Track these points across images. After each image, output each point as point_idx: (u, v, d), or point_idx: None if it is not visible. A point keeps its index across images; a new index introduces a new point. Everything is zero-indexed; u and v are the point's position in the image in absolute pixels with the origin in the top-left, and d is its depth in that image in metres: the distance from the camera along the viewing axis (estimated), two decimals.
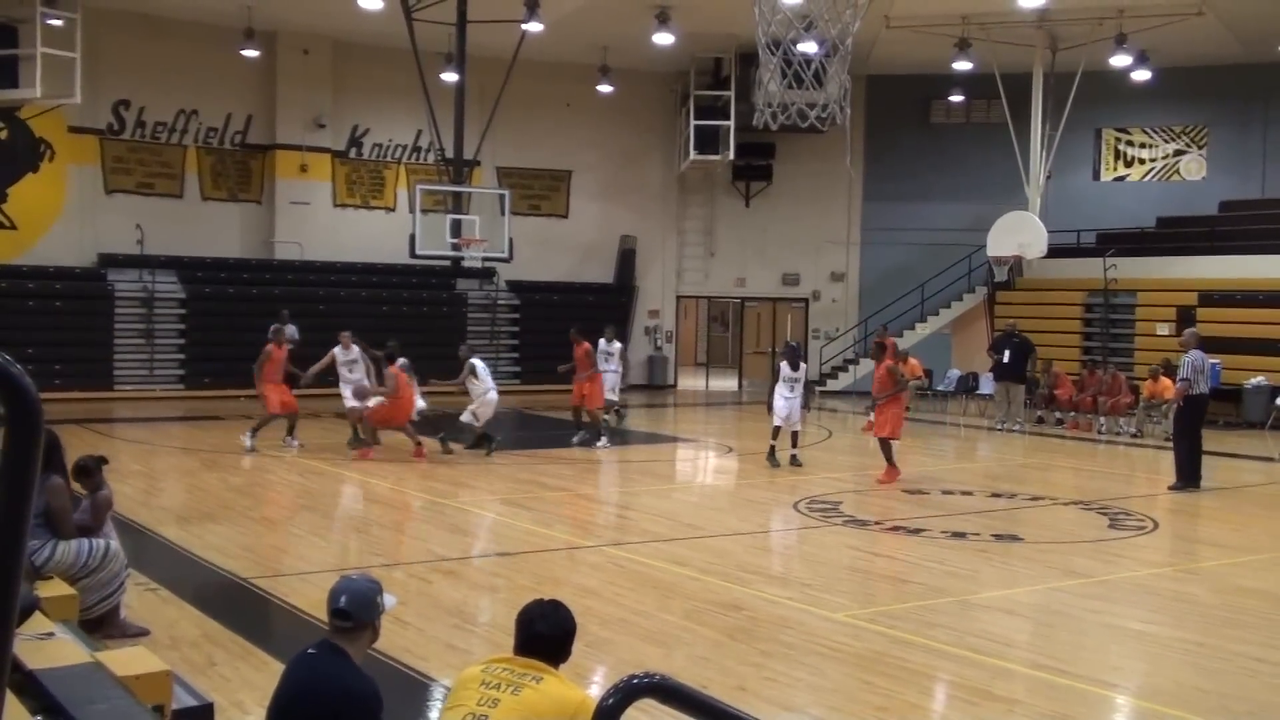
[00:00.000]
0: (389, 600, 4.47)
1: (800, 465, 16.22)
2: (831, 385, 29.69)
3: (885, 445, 15.26)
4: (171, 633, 7.67)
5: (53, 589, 6.74)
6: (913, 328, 28.73)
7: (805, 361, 16.55)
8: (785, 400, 16.15)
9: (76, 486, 7.91)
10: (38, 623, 5.64)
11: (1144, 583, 9.99)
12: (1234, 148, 28.92)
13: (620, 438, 19.68)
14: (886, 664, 7.39)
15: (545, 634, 4.05)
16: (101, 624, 7.32)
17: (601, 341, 19.91)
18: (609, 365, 19.80)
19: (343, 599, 4.33)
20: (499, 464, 16.97)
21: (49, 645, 5.31)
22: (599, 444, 18.44)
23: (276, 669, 6.62)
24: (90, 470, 7.88)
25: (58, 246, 25.06)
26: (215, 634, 7.72)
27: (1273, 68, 26.66)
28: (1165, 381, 21.40)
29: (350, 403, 17.37)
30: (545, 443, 19.13)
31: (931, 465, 18.34)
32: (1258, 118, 28.26)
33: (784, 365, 16.32)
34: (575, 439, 18.83)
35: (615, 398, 20.01)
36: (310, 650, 4.32)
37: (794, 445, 16.52)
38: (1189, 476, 14.85)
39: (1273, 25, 23.62)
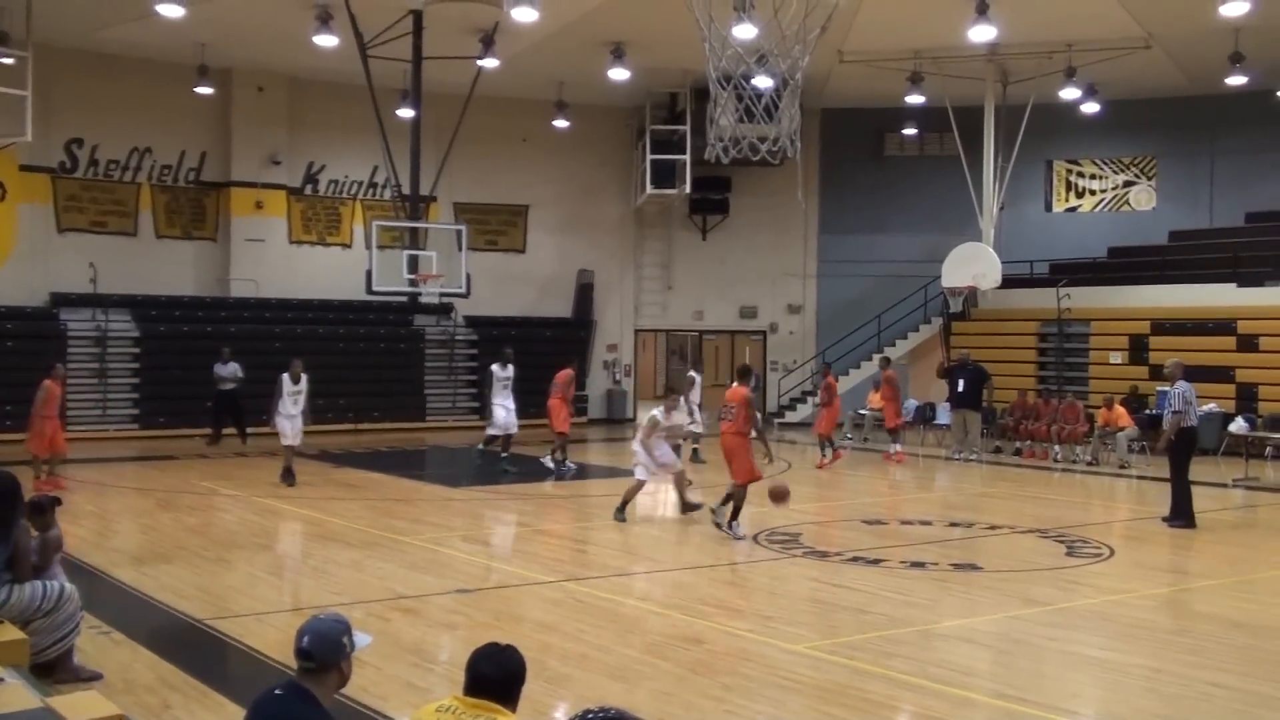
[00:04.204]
0: (361, 640, 4.35)
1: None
2: (790, 417, 29.80)
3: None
4: (125, 676, 7.55)
5: (3, 633, 6.64)
6: (870, 359, 28.87)
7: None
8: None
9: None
10: None
11: (1102, 610, 10.04)
12: (1182, 178, 29.39)
13: (577, 472, 19.67)
14: (848, 695, 7.38)
15: (489, 675, 3.98)
16: (54, 668, 7.20)
17: (495, 367, 19.91)
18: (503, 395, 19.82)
19: (305, 639, 4.23)
20: (459, 500, 16.89)
21: None
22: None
23: (233, 711, 6.54)
24: (44, 508, 7.78)
25: (9, 286, 24.77)
26: (170, 677, 7.60)
27: (1218, 99, 27.14)
28: (1120, 410, 21.63)
29: None
30: (504, 478, 19.02)
31: (890, 495, 18.42)
32: (1204, 149, 28.73)
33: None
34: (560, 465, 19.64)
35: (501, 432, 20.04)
36: (277, 691, 4.19)
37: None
38: (1186, 513, 14.30)
39: (1217, 58, 24.06)
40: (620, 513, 14.54)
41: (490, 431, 19.87)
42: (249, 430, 23.29)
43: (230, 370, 23.13)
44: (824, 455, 21.20)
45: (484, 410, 19.94)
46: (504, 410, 19.66)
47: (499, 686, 3.99)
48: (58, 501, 8.03)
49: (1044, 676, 8.00)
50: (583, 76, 27.18)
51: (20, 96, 21.52)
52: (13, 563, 7.11)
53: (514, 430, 19.83)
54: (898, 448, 22.03)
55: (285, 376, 17.59)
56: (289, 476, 17.44)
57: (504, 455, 19.64)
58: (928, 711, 7.15)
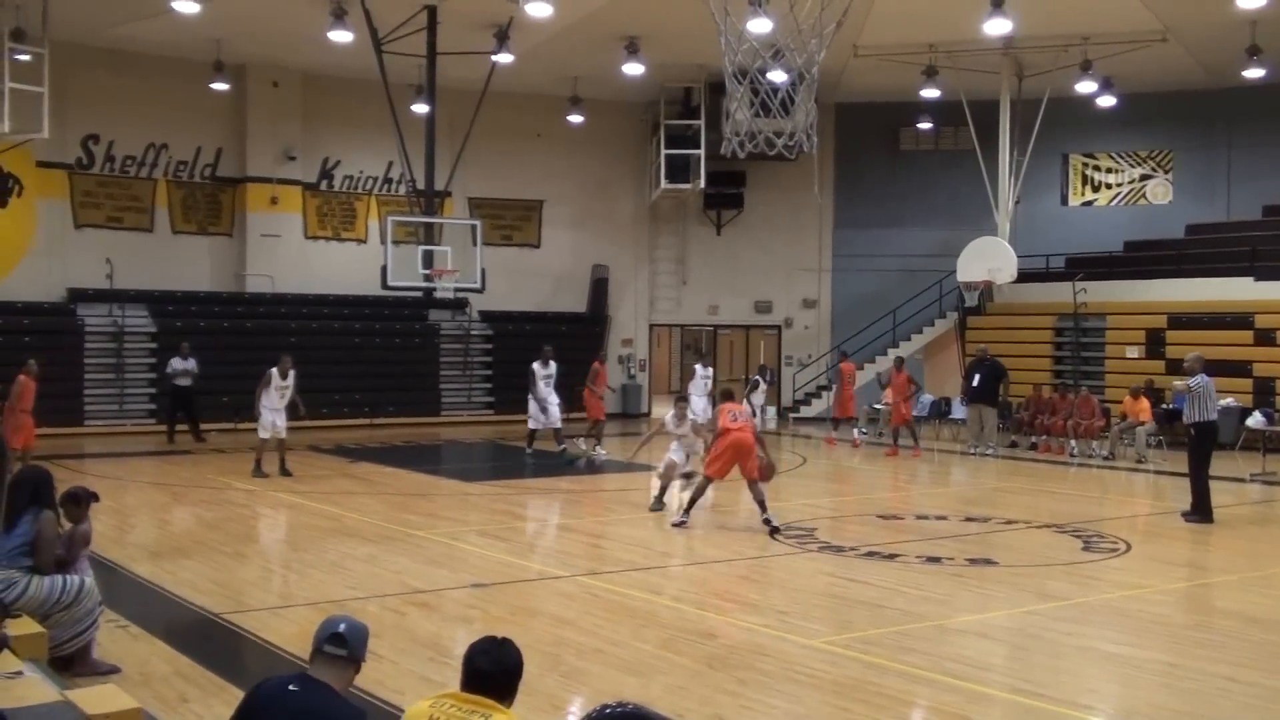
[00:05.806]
0: None
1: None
2: (805, 412, 29.75)
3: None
4: (143, 670, 7.59)
5: (22, 627, 6.68)
6: (885, 353, 28.81)
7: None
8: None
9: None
10: (6, 661, 5.59)
11: (1118, 605, 10.02)
12: (1199, 172, 29.24)
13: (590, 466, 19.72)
14: (864, 690, 7.38)
15: (485, 670, 3.93)
16: (72, 662, 7.24)
17: (536, 365, 20.28)
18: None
19: (342, 626, 4.29)
20: (474, 495, 16.92)
21: (17, 684, 5.27)
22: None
23: None
24: (81, 500, 7.78)
25: (26, 282, 24.88)
26: (187, 670, 7.65)
27: (1235, 92, 27.00)
28: (1144, 402, 21.54)
29: None
30: (520, 473, 19.06)
31: (905, 490, 18.40)
32: (1221, 142, 28.60)
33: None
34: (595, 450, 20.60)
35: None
36: (291, 687, 4.15)
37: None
38: (1204, 508, 14.24)
39: (1234, 51, 23.94)
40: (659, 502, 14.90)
41: (533, 426, 20.70)
42: (215, 428, 23.44)
43: (190, 365, 23.09)
44: (899, 444, 22.48)
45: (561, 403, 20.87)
46: (538, 405, 20.48)
47: (496, 682, 3.93)
48: (95, 497, 7.99)
49: (1060, 671, 7.98)
50: (597, 71, 27.17)
51: (37, 93, 21.61)
52: (34, 551, 7.15)
53: (557, 424, 20.60)
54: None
55: (274, 371, 17.67)
56: (259, 470, 17.64)
57: (562, 447, 20.48)
58: (943, 706, 7.15)
